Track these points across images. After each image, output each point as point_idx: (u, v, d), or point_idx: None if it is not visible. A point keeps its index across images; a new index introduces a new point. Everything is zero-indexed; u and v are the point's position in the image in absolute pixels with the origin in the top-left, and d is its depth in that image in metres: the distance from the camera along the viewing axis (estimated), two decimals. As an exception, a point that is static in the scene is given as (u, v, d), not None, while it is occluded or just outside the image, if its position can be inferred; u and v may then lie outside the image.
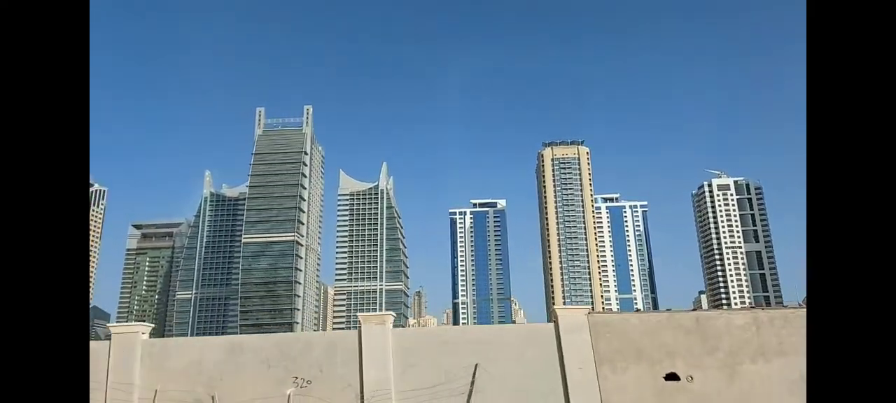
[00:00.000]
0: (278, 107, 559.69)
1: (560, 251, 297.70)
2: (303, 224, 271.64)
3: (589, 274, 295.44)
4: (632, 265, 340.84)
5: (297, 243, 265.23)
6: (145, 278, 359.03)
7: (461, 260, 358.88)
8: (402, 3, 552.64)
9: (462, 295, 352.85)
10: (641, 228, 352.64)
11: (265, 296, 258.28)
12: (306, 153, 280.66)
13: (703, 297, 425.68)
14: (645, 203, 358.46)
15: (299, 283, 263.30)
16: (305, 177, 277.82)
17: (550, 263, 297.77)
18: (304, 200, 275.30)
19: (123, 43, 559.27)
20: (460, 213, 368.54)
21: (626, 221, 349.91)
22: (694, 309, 16.09)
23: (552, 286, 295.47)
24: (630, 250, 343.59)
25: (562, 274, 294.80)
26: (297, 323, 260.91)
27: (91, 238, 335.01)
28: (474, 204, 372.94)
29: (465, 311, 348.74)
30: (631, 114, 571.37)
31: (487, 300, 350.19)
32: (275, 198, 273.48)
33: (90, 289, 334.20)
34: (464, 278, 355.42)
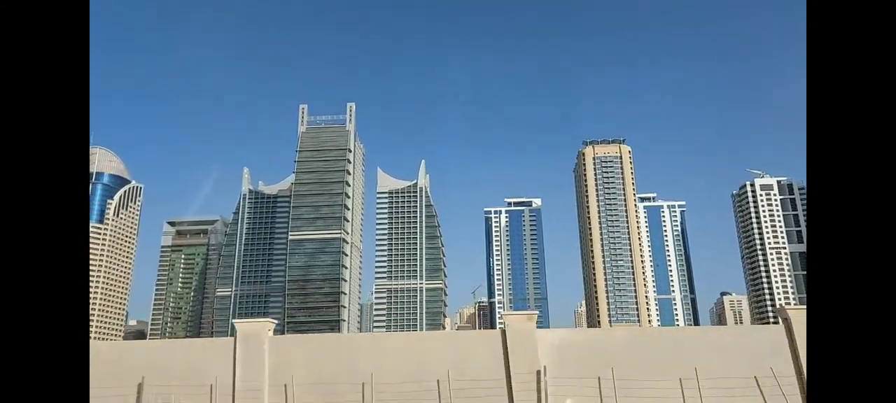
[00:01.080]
0: (311, 105, 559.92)
1: (603, 251, 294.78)
2: (348, 221, 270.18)
3: (633, 274, 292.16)
4: (670, 266, 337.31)
5: (344, 240, 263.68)
6: (181, 275, 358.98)
7: (496, 260, 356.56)
8: (434, 3, 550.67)
9: (498, 295, 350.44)
10: (679, 228, 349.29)
11: (312, 293, 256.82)
12: (350, 150, 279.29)
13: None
14: (683, 203, 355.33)
15: (345, 281, 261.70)
16: (349, 174, 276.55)
17: (593, 263, 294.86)
18: (349, 197, 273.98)
19: (159, 43, 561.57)
20: (495, 212, 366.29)
21: (664, 221, 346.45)
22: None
23: (595, 286, 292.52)
24: (668, 250, 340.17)
25: (605, 274, 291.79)
26: (344, 321, 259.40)
27: (128, 235, 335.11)
28: (509, 203, 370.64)
29: (501, 311, 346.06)
30: (664, 114, 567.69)
31: (524, 300, 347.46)
32: (320, 194, 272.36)
33: (128, 287, 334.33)
34: (499, 277, 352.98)
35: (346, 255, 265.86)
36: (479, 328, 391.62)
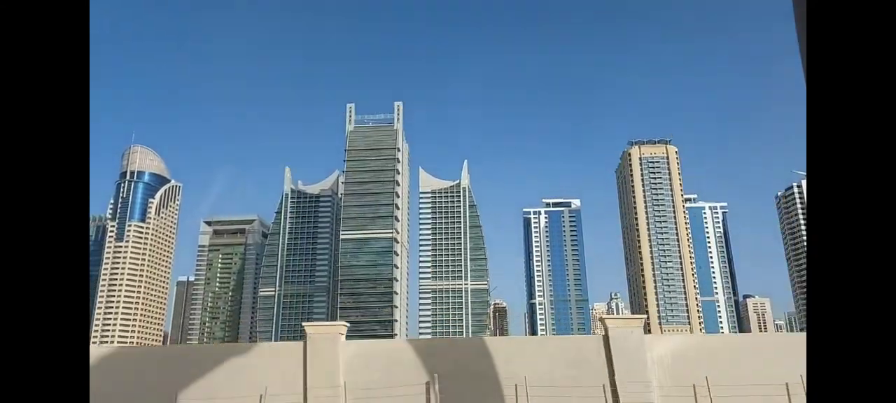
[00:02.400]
0: (331, 105, 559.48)
1: (652, 253, 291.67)
2: (398, 220, 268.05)
3: (682, 276, 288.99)
4: (713, 267, 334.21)
5: (395, 240, 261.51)
6: (219, 275, 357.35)
7: (536, 261, 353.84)
8: (464, 3, 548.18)
9: (538, 297, 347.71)
10: (721, 230, 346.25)
11: (365, 293, 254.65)
12: (399, 149, 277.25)
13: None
14: (725, 204, 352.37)
15: (397, 280, 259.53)
16: (399, 173, 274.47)
17: (641, 265, 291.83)
18: (400, 197, 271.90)
19: (190, 44, 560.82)
20: (534, 213, 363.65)
21: (706, 222, 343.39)
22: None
23: (643, 288, 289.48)
24: (711, 252, 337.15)
25: (654, 276, 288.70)
26: (397, 320, 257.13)
27: (168, 234, 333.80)
28: (547, 204, 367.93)
29: (542, 313, 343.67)
30: (703, 116, 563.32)
31: (565, 301, 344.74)
32: (371, 194, 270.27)
33: (167, 287, 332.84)
34: (540, 279, 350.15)
35: (397, 255, 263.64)
36: (496, 330, 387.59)
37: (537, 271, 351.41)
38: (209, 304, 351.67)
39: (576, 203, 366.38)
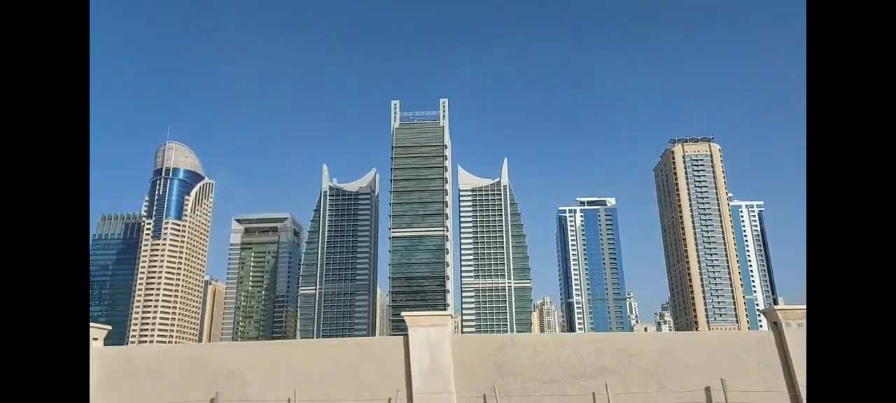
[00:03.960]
0: (362, 103, 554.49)
1: (698, 251, 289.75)
2: (448, 217, 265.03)
3: (729, 275, 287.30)
4: (751, 266, 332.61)
5: (445, 237, 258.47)
6: (251, 274, 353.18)
7: (573, 259, 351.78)
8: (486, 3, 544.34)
9: (576, 295, 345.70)
10: (758, 228, 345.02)
11: (416, 292, 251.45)
12: (446, 146, 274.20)
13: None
14: (761, 202, 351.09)
15: (448, 278, 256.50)
16: (447, 170, 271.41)
17: (687, 263, 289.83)
18: (448, 194, 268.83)
19: (225, 44, 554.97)
20: (570, 211, 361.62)
21: (743, 221, 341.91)
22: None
23: (690, 287, 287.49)
24: (748, 250, 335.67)
25: (701, 275, 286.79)
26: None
27: (202, 232, 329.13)
28: (582, 202, 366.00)
29: (581, 311, 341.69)
30: (735, 114, 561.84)
31: (602, 300, 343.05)
32: (419, 191, 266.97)
33: (201, 285, 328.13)
34: (577, 277, 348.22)
35: (448, 252, 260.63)
36: (544, 328, 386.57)
37: (574, 270, 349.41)
38: (242, 303, 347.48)
39: (611, 201, 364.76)
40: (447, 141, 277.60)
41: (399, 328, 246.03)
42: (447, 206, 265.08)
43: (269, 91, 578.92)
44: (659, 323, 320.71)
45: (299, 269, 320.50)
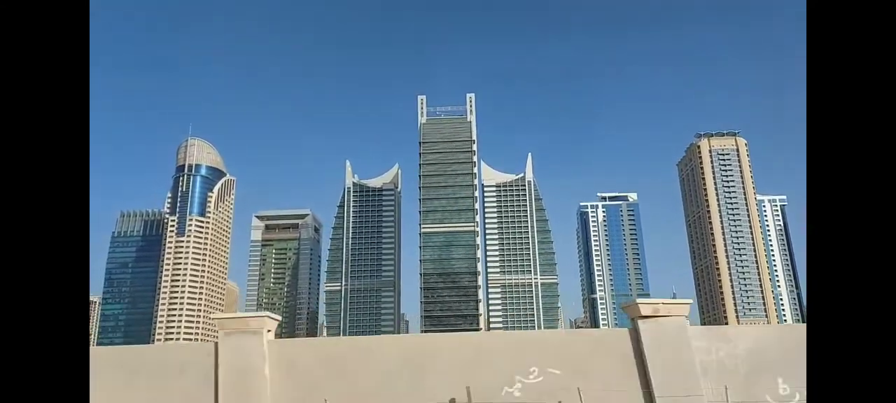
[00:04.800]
0: (381, 99, 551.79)
1: (726, 247, 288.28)
2: (477, 212, 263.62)
3: (758, 270, 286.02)
4: (775, 261, 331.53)
5: (475, 233, 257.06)
6: (273, 270, 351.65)
7: (596, 255, 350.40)
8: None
9: (599, 291, 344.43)
10: (781, 223, 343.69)
11: (448, 287, 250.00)
12: (474, 141, 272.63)
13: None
14: (783, 197, 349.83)
15: (479, 274, 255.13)
16: (475, 164, 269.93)
17: (716, 258, 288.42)
18: (477, 188, 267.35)
19: (248, 42, 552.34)
20: (592, 207, 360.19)
21: (766, 216, 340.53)
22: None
23: (719, 281, 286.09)
24: (772, 245, 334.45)
25: (729, 269, 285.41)
26: (481, 314, 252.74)
27: (225, 229, 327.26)
28: (603, 198, 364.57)
29: (604, 307, 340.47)
30: (748, 110, 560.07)
31: (626, 295, 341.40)
32: (448, 186, 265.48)
33: (225, 283, 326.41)
34: (600, 273, 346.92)
35: (478, 247, 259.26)
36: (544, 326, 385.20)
37: (597, 266, 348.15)
38: (263, 300, 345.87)
39: (632, 196, 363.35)
40: (475, 135, 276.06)
41: (433, 323, 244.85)
42: (477, 202, 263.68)
43: (286, 88, 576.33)
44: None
45: (320, 266, 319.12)
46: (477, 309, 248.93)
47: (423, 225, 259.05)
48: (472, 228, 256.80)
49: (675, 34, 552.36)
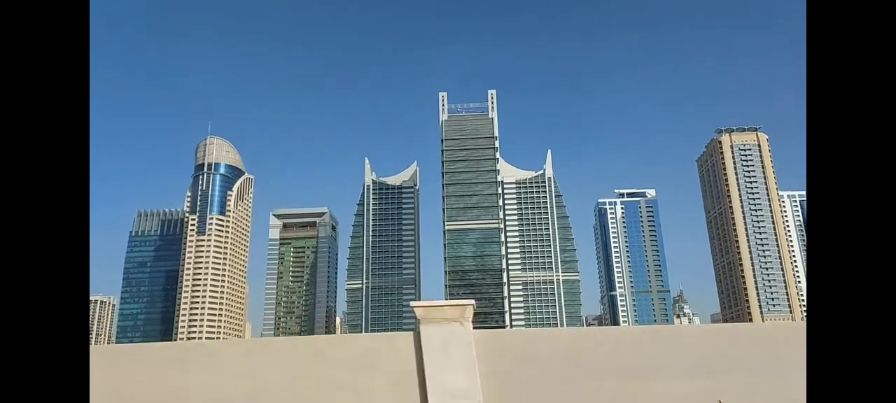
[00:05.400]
0: (395, 96, 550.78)
1: (749, 243, 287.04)
2: (501, 208, 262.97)
3: (782, 266, 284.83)
4: (795, 257, 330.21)
5: (500, 229, 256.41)
6: (291, 268, 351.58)
7: (615, 252, 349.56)
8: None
9: (619, 288, 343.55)
10: (801, 218, 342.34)
11: (474, 284, 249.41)
12: (496, 137, 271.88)
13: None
14: (802, 193, 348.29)
15: (504, 270, 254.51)
16: (498, 161, 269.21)
17: (739, 254, 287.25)
18: (501, 185, 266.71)
19: (271, 38, 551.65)
20: (610, 203, 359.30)
21: (786, 211, 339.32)
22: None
23: (742, 278, 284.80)
24: (792, 241, 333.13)
25: (752, 266, 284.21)
26: (507, 311, 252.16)
27: (244, 227, 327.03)
28: (621, 194, 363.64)
29: (624, 304, 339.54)
30: (775, 104, 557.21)
31: (646, 293, 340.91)
32: (471, 183, 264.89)
33: (245, 282, 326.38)
34: (619, 270, 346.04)
35: (503, 243, 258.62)
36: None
37: (616, 262, 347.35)
38: (282, 298, 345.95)
39: (651, 193, 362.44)
40: (497, 132, 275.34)
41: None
42: (501, 198, 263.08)
43: (300, 85, 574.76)
44: (679, 315, 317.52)
45: (337, 264, 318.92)
46: (503, 306, 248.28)
47: (447, 223, 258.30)
48: (497, 225, 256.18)
49: (690, 34, 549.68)
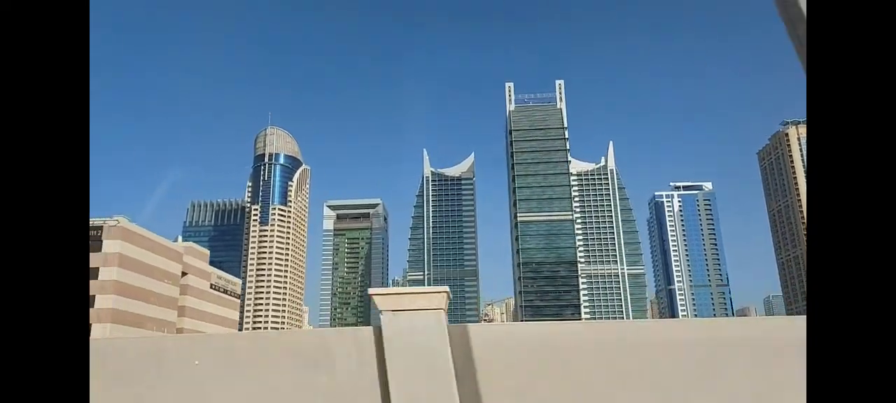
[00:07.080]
0: (448, 86, 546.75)
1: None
2: (573, 199, 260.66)
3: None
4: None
5: (574, 222, 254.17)
6: (346, 260, 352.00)
7: (673, 245, 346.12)
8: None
9: (677, 282, 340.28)
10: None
11: (548, 277, 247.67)
12: (566, 128, 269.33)
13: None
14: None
15: (579, 263, 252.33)
16: (568, 151, 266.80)
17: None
18: (573, 176, 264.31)
19: (314, 32, 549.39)
20: (667, 196, 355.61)
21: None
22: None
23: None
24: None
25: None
26: (578, 305, 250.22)
27: (302, 218, 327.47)
28: (677, 187, 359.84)
29: (683, 298, 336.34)
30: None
31: (704, 286, 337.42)
32: (541, 175, 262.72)
33: (303, 272, 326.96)
34: (677, 263, 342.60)
35: (575, 236, 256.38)
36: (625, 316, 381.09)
37: (674, 256, 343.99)
38: (338, 289, 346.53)
39: (708, 185, 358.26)
40: (566, 123, 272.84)
41: (531, 313, 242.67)
42: (574, 189, 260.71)
43: (347, 73, 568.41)
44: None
45: (388, 256, 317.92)
46: (577, 299, 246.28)
47: (519, 215, 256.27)
48: (569, 217, 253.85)
49: (757, 37, 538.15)
